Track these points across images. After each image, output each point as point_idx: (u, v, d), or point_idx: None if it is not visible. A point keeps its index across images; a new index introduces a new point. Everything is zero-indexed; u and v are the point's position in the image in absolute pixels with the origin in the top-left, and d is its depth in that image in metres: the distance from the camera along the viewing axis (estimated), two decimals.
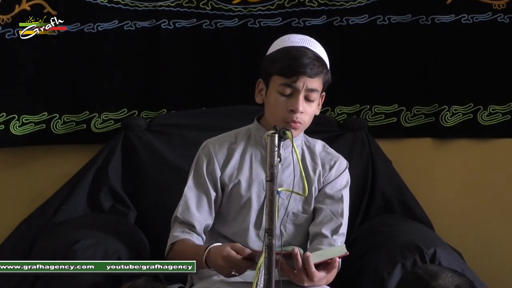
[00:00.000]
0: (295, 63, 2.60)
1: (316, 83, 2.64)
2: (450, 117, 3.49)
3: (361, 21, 3.48)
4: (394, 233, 3.00)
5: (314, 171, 2.76)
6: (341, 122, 3.44)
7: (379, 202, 3.34)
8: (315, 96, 2.65)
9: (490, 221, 3.56)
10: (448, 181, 3.56)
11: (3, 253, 3.19)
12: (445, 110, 3.49)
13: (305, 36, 2.71)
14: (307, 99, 2.64)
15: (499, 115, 3.50)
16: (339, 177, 2.78)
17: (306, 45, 2.66)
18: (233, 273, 2.53)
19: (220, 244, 2.59)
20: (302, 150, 2.77)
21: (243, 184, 2.74)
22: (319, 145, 2.83)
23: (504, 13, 3.47)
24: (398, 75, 3.50)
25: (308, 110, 2.65)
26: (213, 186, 2.74)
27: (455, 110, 3.49)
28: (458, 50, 3.48)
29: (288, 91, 2.63)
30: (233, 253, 2.51)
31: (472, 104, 3.50)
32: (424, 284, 2.11)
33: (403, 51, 3.49)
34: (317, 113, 2.73)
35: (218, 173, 2.74)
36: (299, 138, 2.75)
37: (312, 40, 2.71)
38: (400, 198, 3.36)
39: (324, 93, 2.72)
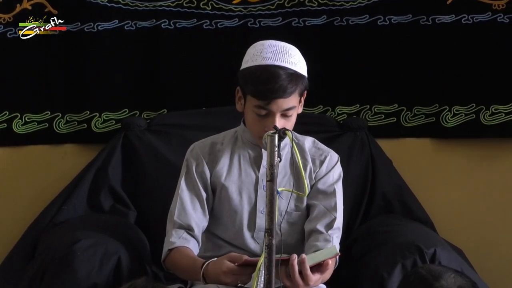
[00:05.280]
0: (267, 88, 2.56)
1: (292, 101, 2.61)
2: (451, 117, 3.49)
3: (361, 21, 3.47)
4: (394, 233, 2.99)
5: (305, 167, 2.75)
6: (341, 122, 3.44)
7: (379, 202, 3.33)
8: (292, 111, 2.63)
9: (491, 222, 3.55)
10: (448, 181, 3.55)
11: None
12: (446, 111, 3.48)
13: (277, 45, 2.62)
14: (284, 115, 2.62)
15: (502, 115, 3.49)
16: (331, 171, 2.78)
17: (278, 62, 2.58)
18: (239, 284, 2.54)
19: (216, 259, 2.59)
20: (291, 148, 2.73)
21: (233, 187, 2.75)
22: (308, 141, 2.82)
23: (504, 13, 3.46)
24: (398, 76, 3.49)
25: (287, 125, 2.61)
26: (204, 187, 2.75)
27: (456, 110, 3.49)
28: (458, 50, 3.48)
29: (263, 112, 2.61)
30: (233, 265, 2.51)
31: (474, 104, 3.49)
32: (427, 284, 2.11)
33: (403, 51, 3.48)
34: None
35: (208, 174, 2.76)
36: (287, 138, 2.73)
37: (286, 48, 2.63)
38: (400, 198, 3.35)
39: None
